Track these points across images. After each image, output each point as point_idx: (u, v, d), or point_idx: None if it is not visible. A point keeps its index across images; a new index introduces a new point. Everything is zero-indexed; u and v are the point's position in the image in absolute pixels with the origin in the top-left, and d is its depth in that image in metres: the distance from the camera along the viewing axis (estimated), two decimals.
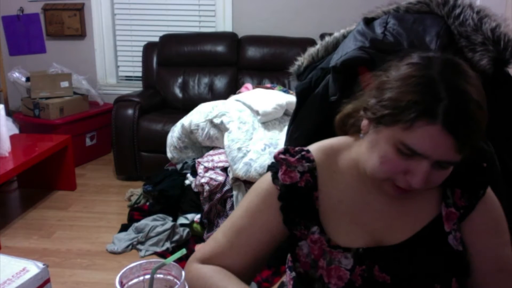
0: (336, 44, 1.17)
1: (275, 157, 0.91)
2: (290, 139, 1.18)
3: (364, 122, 0.84)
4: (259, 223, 0.89)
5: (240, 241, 0.89)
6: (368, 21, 1.09)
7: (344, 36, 1.17)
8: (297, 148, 0.92)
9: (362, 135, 0.86)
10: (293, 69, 1.25)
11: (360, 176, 0.88)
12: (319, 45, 1.21)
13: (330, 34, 1.21)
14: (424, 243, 0.86)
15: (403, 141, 0.75)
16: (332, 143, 0.94)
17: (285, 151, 0.92)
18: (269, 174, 0.91)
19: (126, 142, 3.43)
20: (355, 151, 0.90)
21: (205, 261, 0.90)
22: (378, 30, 1.04)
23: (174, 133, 3.03)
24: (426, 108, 0.72)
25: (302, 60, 1.23)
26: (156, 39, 3.99)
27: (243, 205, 0.92)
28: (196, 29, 4.14)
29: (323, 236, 0.87)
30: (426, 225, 0.87)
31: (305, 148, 0.92)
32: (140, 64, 4.07)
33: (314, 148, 0.92)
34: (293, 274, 0.95)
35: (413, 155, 0.75)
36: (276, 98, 2.98)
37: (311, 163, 0.89)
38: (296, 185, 0.88)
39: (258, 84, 3.68)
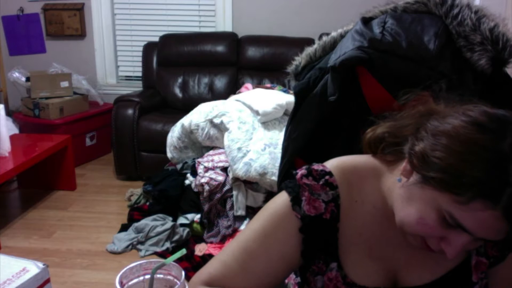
0: (333, 44, 1.17)
1: (297, 180, 0.81)
2: (289, 139, 1.17)
3: (406, 167, 0.74)
4: (275, 250, 0.80)
5: (255, 268, 0.80)
6: (366, 21, 1.09)
7: (342, 36, 1.16)
8: (319, 168, 0.82)
9: (399, 179, 0.76)
10: (290, 68, 1.25)
11: (384, 210, 0.81)
12: (316, 45, 1.20)
13: (329, 34, 1.21)
14: None
15: (452, 213, 0.67)
16: (356, 164, 0.84)
17: (308, 173, 0.81)
18: (285, 196, 0.82)
19: (126, 142, 3.44)
20: (385, 184, 0.81)
21: (213, 284, 0.80)
22: (376, 29, 1.03)
23: (174, 133, 3.04)
24: (490, 192, 0.64)
25: (299, 59, 1.23)
26: (156, 39, 4.00)
27: (255, 227, 0.82)
28: (196, 29, 4.14)
29: (339, 272, 0.81)
30: (451, 270, 0.82)
31: (327, 169, 0.81)
32: (140, 64, 4.07)
33: (336, 170, 0.82)
34: (298, 279, 0.91)
35: (457, 227, 0.68)
36: (276, 98, 2.98)
37: (335, 190, 0.80)
38: (321, 217, 0.79)
39: (258, 84, 3.68)
